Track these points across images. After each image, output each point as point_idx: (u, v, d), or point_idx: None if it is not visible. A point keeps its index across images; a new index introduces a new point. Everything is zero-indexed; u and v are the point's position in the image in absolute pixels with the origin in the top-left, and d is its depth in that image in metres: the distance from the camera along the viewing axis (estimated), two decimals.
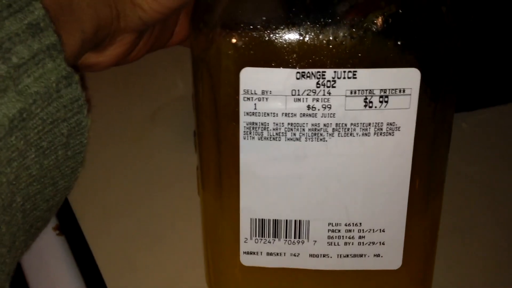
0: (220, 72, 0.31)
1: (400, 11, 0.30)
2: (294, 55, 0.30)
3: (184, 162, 0.47)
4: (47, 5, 0.24)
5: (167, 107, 0.54)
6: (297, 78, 0.30)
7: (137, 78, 0.58)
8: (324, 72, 0.30)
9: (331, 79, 0.30)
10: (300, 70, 0.30)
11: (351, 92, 0.30)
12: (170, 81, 0.57)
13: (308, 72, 0.30)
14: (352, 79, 0.30)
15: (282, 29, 0.30)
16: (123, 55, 0.32)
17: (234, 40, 0.30)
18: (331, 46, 0.30)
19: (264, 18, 0.30)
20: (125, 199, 0.47)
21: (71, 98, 0.24)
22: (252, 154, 0.32)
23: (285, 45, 0.30)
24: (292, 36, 0.30)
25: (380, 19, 0.30)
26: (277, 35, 0.30)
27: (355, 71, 0.30)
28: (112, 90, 0.57)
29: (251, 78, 0.30)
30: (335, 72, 0.30)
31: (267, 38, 0.30)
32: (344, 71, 0.30)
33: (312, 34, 0.30)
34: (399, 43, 0.30)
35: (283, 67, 0.30)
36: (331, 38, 0.30)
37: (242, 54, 0.30)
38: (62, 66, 0.24)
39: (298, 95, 0.30)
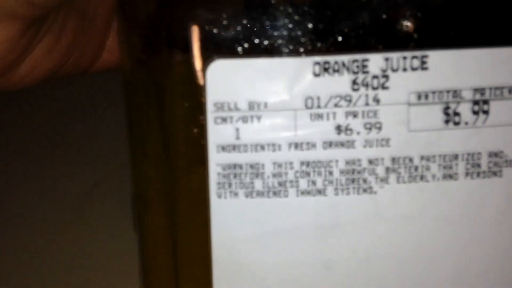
0: (174, 86, 0.17)
1: None
2: (307, 32, 0.15)
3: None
4: None
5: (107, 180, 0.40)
6: (315, 74, 0.16)
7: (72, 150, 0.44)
8: (367, 60, 0.16)
9: (379, 73, 0.16)
10: (320, 59, 0.16)
11: (419, 97, 0.16)
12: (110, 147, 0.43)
13: (336, 62, 0.16)
14: (420, 71, 0.16)
15: None
16: (7, 53, 0.18)
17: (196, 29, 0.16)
18: (376, 12, 0.15)
19: None
20: None
21: None
22: (233, 226, 0.17)
23: (287, 14, 0.15)
24: None
25: None
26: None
27: (425, 56, 0.16)
28: (45, 164, 0.43)
29: (228, 80, 0.16)
30: (387, 59, 0.16)
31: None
32: (405, 57, 0.16)
33: None
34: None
35: (285, 56, 0.16)
36: None
37: (212, 44, 0.16)
38: None
39: (318, 107, 0.16)
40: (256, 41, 0.15)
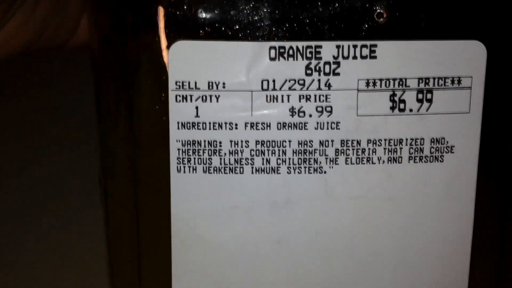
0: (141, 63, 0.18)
1: None
2: (265, 20, 0.17)
3: None
4: None
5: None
6: (271, 58, 0.17)
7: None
8: (320, 47, 0.17)
9: (331, 60, 0.17)
10: (276, 44, 0.17)
11: (367, 84, 0.17)
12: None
13: (291, 48, 0.17)
14: (369, 60, 0.17)
15: None
16: None
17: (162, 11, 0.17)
18: (329, 2, 0.17)
19: None
20: None
21: None
22: (191, 200, 0.18)
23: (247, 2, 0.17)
24: None
25: None
26: None
27: (374, 45, 0.17)
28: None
29: (189, 60, 0.17)
30: (338, 47, 0.17)
31: None
32: (355, 45, 0.17)
33: None
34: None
35: (244, 40, 0.17)
36: None
37: (176, 25, 0.17)
38: None
39: (274, 89, 0.17)
40: (217, 25, 0.16)
